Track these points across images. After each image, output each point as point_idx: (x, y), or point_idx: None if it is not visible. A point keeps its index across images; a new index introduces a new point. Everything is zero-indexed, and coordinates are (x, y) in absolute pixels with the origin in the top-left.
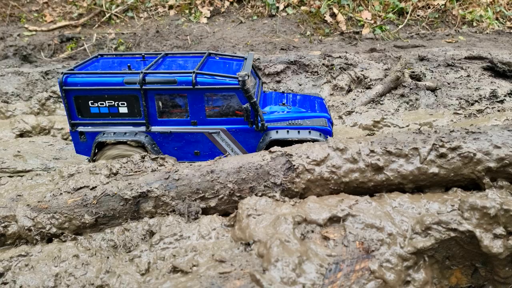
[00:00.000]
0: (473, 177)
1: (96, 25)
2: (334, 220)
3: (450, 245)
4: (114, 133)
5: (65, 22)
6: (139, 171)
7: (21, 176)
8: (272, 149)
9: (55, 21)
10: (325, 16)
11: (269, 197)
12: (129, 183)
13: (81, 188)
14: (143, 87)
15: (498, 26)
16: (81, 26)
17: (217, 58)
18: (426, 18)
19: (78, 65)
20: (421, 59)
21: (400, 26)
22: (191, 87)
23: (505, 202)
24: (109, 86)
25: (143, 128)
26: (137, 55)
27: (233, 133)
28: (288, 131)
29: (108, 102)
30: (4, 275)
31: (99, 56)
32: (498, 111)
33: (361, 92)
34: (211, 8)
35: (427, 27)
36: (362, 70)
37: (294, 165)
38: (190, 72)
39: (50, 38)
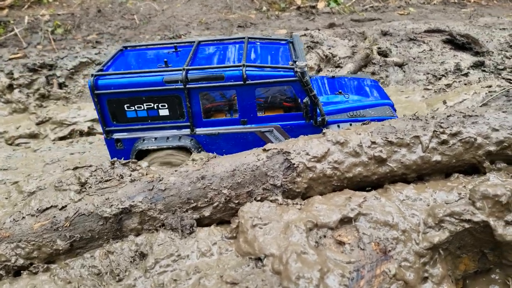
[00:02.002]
0: (473, 162)
1: (26, 6)
2: (345, 221)
3: (463, 236)
4: (156, 138)
5: None
6: (111, 181)
7: None
8: (266, 146)
9: None
10: None
11: (271, 201)
12: (106, 199)
13: (47, 209)
14: (187, 85)
15: None
16: (7, 7)
17: (258, 43)
18: None
19: (106, 64)
20: (384, 34)
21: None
22: (241, 82)
23: None
24: (147, 87)
25: (187, 131)
26: (167, 45)
27: (287, 130)
28: (351, 124)
29: (146, 105)
30: None
31: (123, 49)
32: (465, 84)
33: (331, 71)
34: None
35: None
36: (330, 48)
37: (294, 164)
38: (239, 66)
39: None
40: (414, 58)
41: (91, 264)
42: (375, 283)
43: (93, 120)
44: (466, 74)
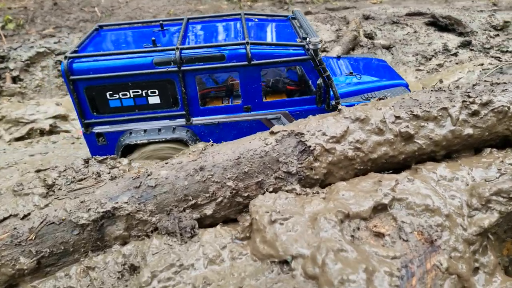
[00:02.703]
0: (507, 134)
1: None
2: (378, 209)
3: (511, 217)
4: (145, 131)
5: None
6: (87, 179)
7: None
8: (273, 128)
9: None
10: None
11: (287, 191)
12: (81, 202)
13: (5, 219)
14: (182, 68)
15: None
16: None
17: (256, 20)
18: None
19: (80, 44)
20: (366, 18)
21: None
22: (246, 62)
23: None
24: (134, 71)
25: (182, 121)
26: (150, 23)
27: (297, 116)
28: None
29: (133, 92)
30: None
31: (99, 29)
32: (457, 63)
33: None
34: None
35: None
36: None
37: (310, 146)
38: (242, 43)
39: None
40: (400, 41)
41: (67, 285)
42: (428, 280)
43: (55, 117)
44: (455, 54)
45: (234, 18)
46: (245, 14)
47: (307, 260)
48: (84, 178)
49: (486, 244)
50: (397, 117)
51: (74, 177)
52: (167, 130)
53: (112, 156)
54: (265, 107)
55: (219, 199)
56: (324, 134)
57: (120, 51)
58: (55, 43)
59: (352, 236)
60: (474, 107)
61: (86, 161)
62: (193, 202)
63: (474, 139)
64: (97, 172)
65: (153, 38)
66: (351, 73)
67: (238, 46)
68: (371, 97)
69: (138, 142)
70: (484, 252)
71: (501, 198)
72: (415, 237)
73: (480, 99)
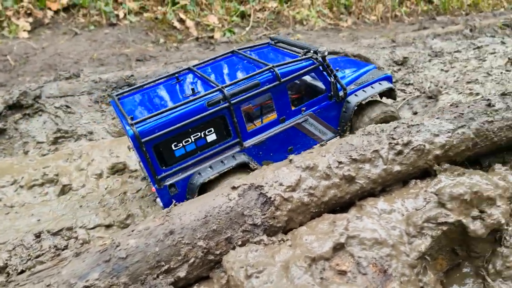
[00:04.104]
0: (426, 167)
1: None
2: (337, 248)
3: (440, 238)
4: (211, 167)
5: None
6: (44, 255)
7: None
8: (234, 183)
9: None
10: (173, 22)
11: (255, 243)
12: (47, 286)
13: None
14: (231, 101)
15: (322, 23)
16: None
17: (248, 51)
18: (265, 20)
19: (125, 113)
20: None
21: (247, 29)
22: (277, 82)
23: (472, 185)
24: (192, 118)
25: (236, 148)
26: (160, 80)
27: (318, 114)
28: (364, 90)
29: (193, 137)
30: None
31: (116, 98)
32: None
33: None
34: (31, 20)
35: (268, 28)
36: None
37: (270, 197)
38: (269, 68)
39: None
40: None
41: None
42: None
43: None
44: None
45: (232, 55)
46: (238, 49)
47: None
48: (42, 254)
49: (425, 265)
50: (340, 162)
51: (29, 255)
52: (229, 159)
53: (67, 226)
54: (295, 114)
55: (191, 260)
56: (281, 184)
57: (175, 105)
58: None
59: (321, 278)
60: (399, 147)
61: (38, 235)
62: (166, 267)
63: (402, 174)
64: (54, 246)
65: (192, 87)
66: (337, 70)
67: (265, 72)
68: (362, 82)
69: (211, 177)
70: (425, 272)
71: (431, 224)
72: (371, 269)
73: (402, 140)
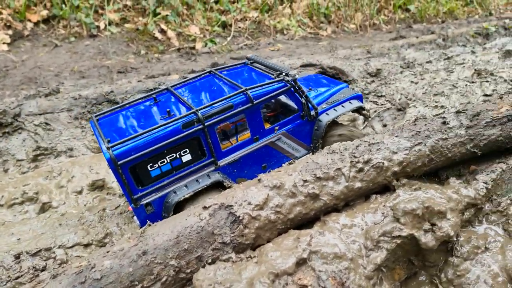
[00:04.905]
0: (385, 182)
1: None
2: (300, 263)
3: (395, 250)
4: (186, 186)
5: None
6: (23, 277)
7: None
8: (205, 203)
9: None
10: (154, 33)
11: (224, 260)
12: None
13: None
14: (205, 124)
15: (302, 32)
16: None
17: (225, 72)
18: (246, 30)
19: (102, 136)
20: None
21: (228, 39)
22: (250, 104)
23: (425, 201)
24: (167, 139)
25: (211, 167)
26: (138, 101)
27: (291, 132)
28: (335, 109)
29: (169, 157)
30: None
31: (95, 119)
32: None
33: None
34: (10, 32)
35: (249, 37)
36: None
37: (239, 216)
38: (241, 91)
39: None
40: None
41: None
42: None
43: None
44: None
45: (209, 75)
46: (215, 69)
47: None
48: (21, 276)
49: (381, 276)
50: (305, 181)
51: (9, 276)
52: (204, 178)
53: (46, 247)
54: (268, 133)
55: (164, 279)
56: (249, 203)
57: (151, 128)
58: None
59: None
60: (359, 165)
61: (17, 256)
62: (139, 286)
63: (363, 190)
64: (33, 267)
65: (168, 109)
66: (310, 89)
67: (238, 95)
68: (334, 101)
69: (187, 196)
70: (381, 283)
71: (387, 238)
72: (330, 282)
73: (363, 158)
